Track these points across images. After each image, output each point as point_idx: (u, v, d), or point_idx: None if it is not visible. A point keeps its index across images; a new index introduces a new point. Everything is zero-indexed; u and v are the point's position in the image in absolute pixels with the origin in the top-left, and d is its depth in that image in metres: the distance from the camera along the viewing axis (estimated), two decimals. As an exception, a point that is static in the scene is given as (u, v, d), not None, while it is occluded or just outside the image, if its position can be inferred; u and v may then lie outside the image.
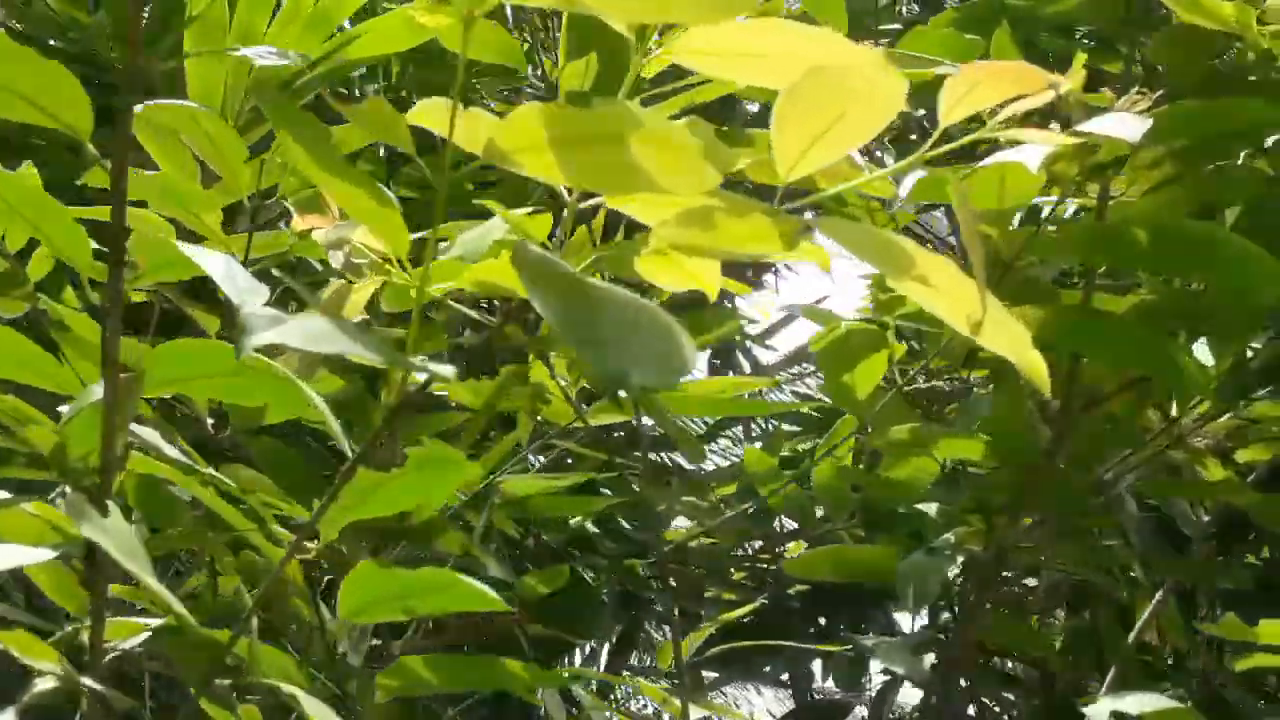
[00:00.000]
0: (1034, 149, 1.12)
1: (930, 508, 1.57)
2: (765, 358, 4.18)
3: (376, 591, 0.98)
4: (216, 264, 0.86)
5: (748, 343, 4.31)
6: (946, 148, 0.76)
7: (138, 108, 1.29)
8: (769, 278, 4.50)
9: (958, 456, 1.45)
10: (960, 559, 1.49)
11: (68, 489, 0.79)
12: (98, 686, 0.87)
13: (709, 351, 4.27)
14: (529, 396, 1.70)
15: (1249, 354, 1.53)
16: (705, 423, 4.67)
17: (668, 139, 0.68)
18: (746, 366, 4.15)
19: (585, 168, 0.72)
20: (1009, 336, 0.77)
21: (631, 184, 0.71)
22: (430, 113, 0.80)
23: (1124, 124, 1.13)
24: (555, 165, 0.72)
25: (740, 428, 4.00)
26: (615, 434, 2.22)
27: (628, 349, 0.64)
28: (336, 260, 1.22)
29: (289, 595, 1.02)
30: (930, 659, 1.59)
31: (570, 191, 0.85)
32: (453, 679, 1.06)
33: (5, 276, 1.27)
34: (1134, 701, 0.97)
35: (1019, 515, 1.51)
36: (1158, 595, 1.70)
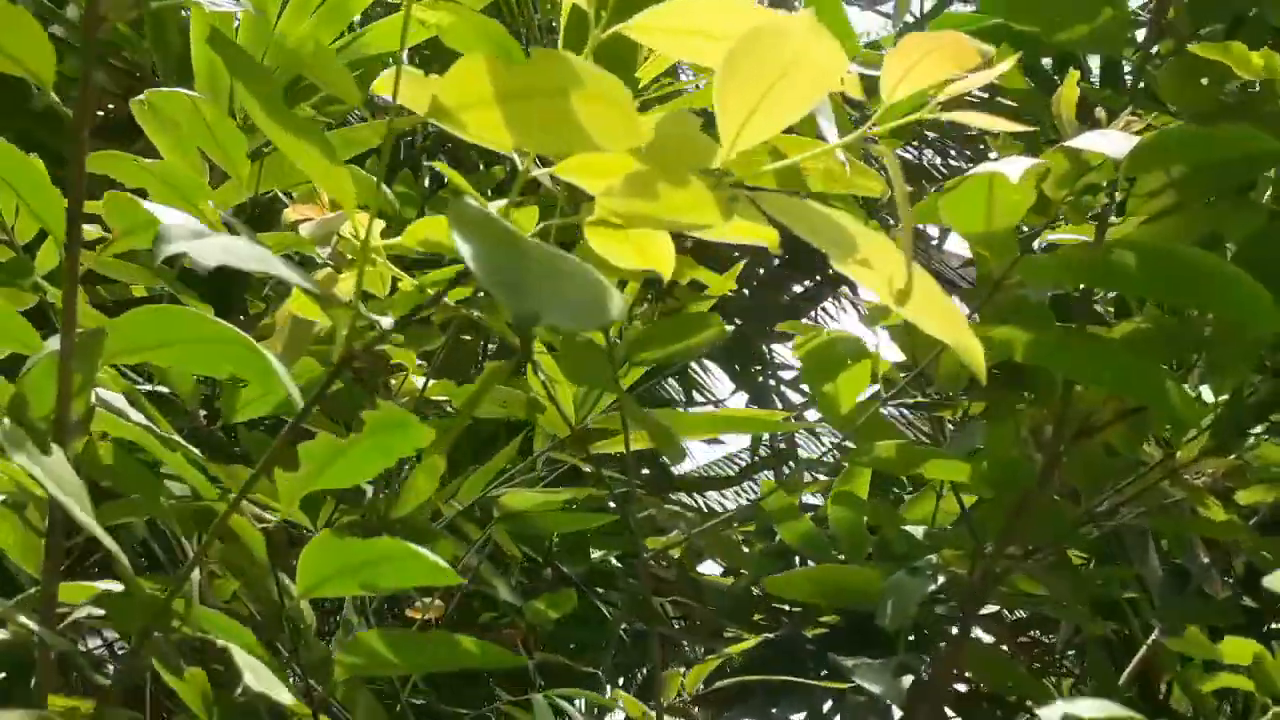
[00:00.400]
0: (1018, 161, 1.13)
1: (918, 530, 1.56)
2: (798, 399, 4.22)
3: (335, 564, 0.98)
4: (174, 216, 0.87)
5: (782, 387, 4.33)
6: (891, 124, 0.77)
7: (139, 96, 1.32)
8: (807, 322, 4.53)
9: (947, 479, 1.45)
10: (942, 579, 1.48)
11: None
12: (46, 635, 0.88)
13: (745, 396, 4.30)
14: (524, 404, 1.71)
15: (1249, 391, 1.52)
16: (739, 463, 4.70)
17: (603, 92, 0.69)
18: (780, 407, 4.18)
19: (530, 125, 0.72)
20: (940, 316, 0.77)
21: (574, 141, 0.72)
22: (384, 81, 0.82)
23: (1110, 141, 1.14)
24: (500, 124, 0.73)
25: (772, 473, 4.03)
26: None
27: (546, 293, 0.65)
28: (325, 252, 1.24)
29: (243, 558, 1.02)
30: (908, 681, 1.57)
31: (520, 159, 0.86)
32: (412, 657, 1.06)
33: (12, 265, 1.29)
34: (1087, 706, 0.96)
35: (1008, 543, 1.51)
36: (1154, 634, 1.69)
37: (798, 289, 4.47)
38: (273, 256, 0.69)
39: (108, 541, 0.82)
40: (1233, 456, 1.58)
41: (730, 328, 1.41)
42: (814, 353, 1.41)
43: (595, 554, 2.53)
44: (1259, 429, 1.59)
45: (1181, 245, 1.25)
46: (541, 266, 0.67)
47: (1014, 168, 1.10)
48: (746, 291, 4.15)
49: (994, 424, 1.51)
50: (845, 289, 4.73)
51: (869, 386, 1.44)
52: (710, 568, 2.64)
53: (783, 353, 4.47)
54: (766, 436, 4.06)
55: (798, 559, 2.13)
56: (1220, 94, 1.49)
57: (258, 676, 0.85)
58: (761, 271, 4.11)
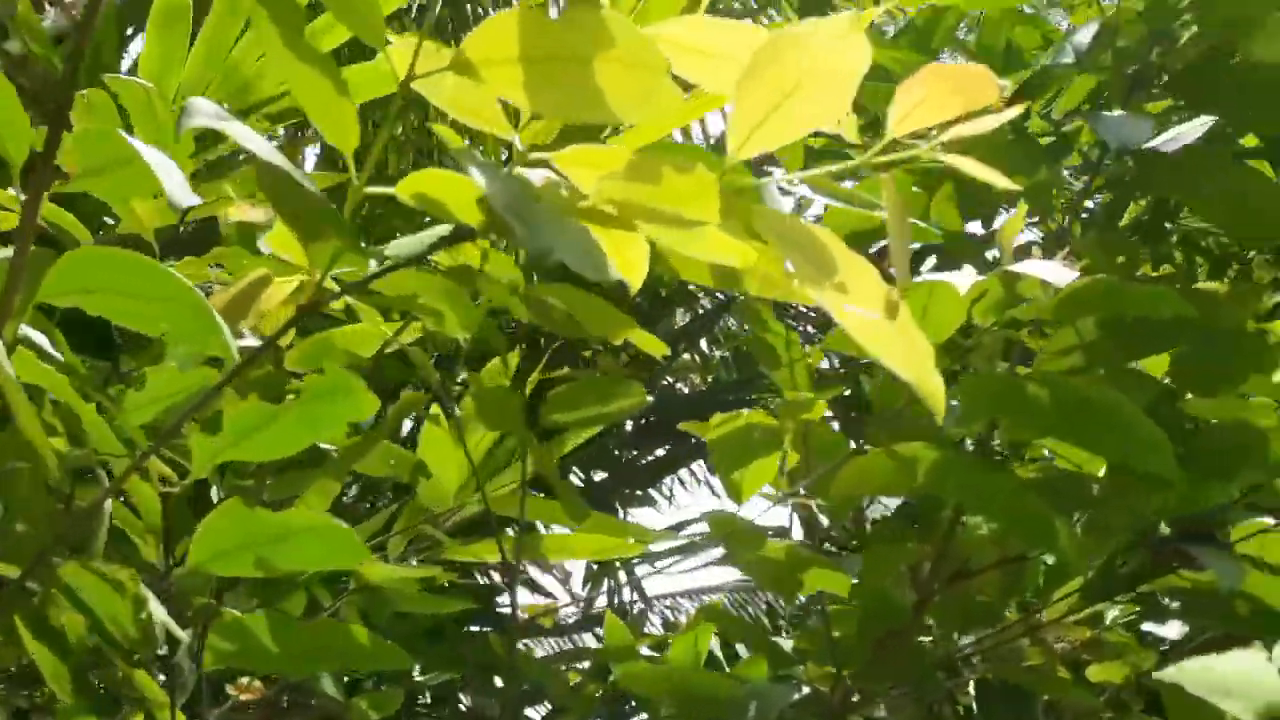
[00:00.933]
0: (967, 274, 1.16)
1: (786, 642, 1.57)
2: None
3: (236, 537, 0.96)
4: (155, 155, 0.87)
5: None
6: (891, 157, 0.80)
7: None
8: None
9: (828, 589, 1.45)
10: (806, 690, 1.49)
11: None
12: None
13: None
14: (410, 467, 1.69)
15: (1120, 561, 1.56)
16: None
17: (637, 56, 0.70)
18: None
19: (550, 87, 0.74)
20: (910, 354, 0.79)
21: (591, 108, 0.73)
22: (398, 50, 0.83)
23: (1054, 270, 1.18)
24: (520, 83, 0.74)
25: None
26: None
27: (557, 236, 0.66)
28: (265, 248, 1.23)
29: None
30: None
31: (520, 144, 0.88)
32: (290, 645, 1.03)
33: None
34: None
35: (868, 675, 1.52)
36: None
37: (660, 452, 4.52)
38: (289, 168, 0.70)
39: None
40: (1093, 631, 1.62)
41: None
42: (727, 438, 1.42)
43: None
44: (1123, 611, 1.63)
45: (1096, 387, 1.29)
46: (551, 213, 0.69)
47: (963, 279, 1.14)
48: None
49: (872, 552, 1.53)
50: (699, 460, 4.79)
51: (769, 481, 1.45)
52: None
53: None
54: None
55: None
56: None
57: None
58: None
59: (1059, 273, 1.18)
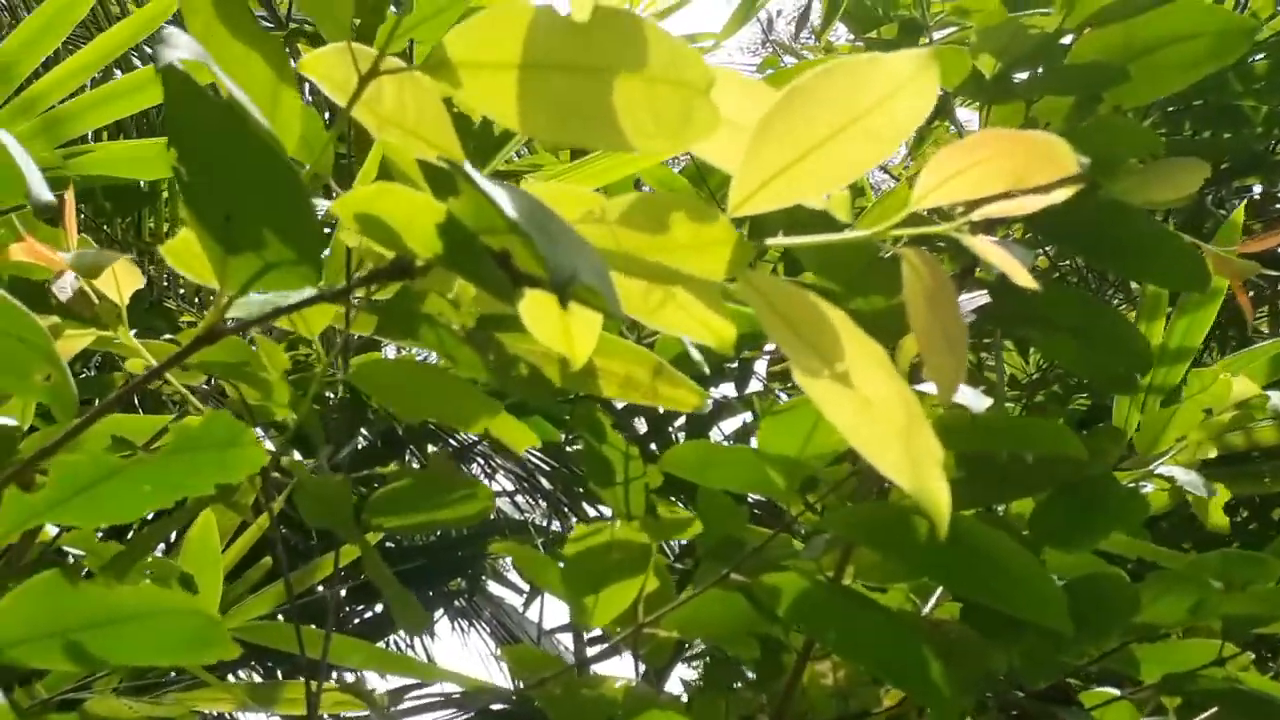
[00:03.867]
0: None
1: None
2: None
3: (44, 621, 0.82)
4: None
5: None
6: (911, 231, 0.74)
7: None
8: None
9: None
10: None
11: None
12: None
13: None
14: (173, 578, 1.54)
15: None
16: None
17: (678, 72, 0.63)
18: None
19: (551, 104, 0.66)
20: (912, 454, 0.73)
21: (604, 132, 0.65)
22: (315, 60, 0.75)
23: (968, 395, 1.14)
24: (513, 95, 0.66)
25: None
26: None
27: (577, 254, 0.58)
28: (63, 294, 1.13)
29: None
30: None
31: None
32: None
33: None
34: None
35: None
36: None
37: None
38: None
39: None
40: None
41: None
42: (586, 555, 1.32)
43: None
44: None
45: (977, 522, 1.25)
46: (565, 229, 0.61)
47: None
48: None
49: (701, 708, 1.46)
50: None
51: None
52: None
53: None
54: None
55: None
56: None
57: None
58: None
59: (973, 399, 1.14)
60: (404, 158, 0.72)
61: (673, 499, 1.53)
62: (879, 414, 0.72)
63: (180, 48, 0.60)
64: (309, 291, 0.72)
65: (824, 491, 1.30)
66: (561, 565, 1.35)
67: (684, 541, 2.05)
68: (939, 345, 0.71)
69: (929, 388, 1.16)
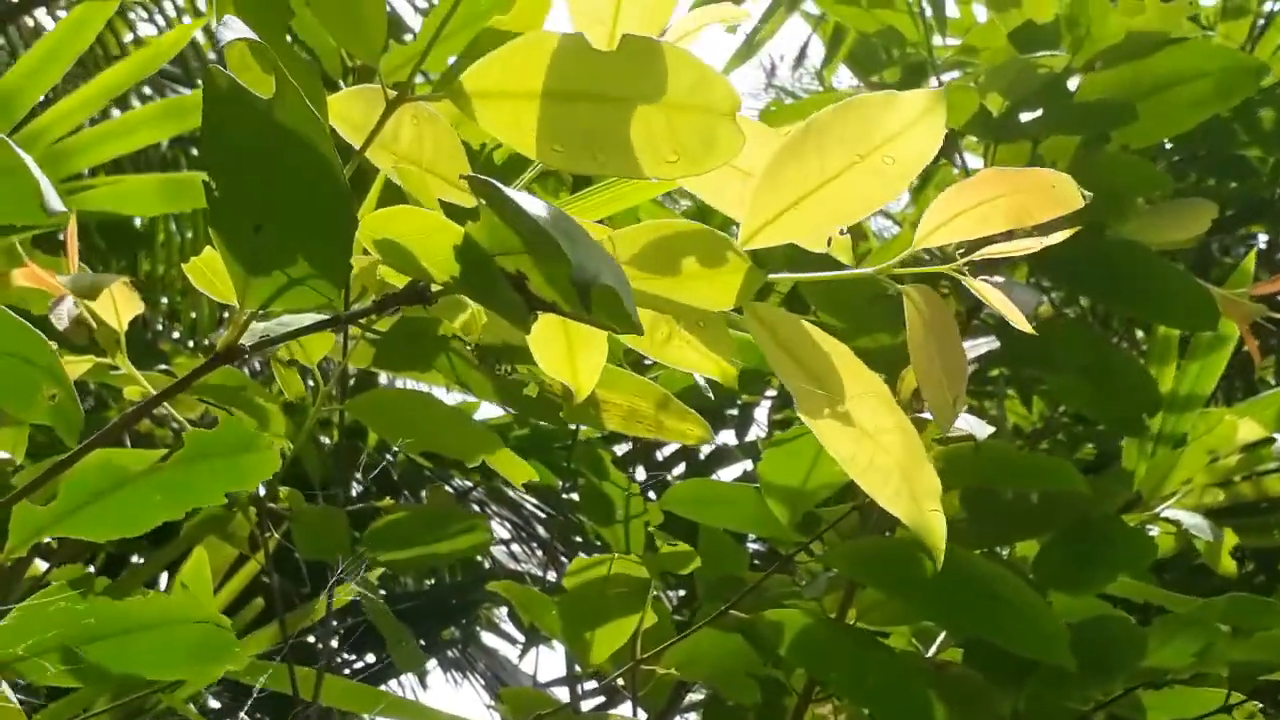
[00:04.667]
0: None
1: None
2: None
3: (57, 634, 0.83)
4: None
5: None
6: (913, 270, 0.75)
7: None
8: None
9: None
10: None
11: None
12: None
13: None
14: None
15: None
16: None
17: (703, 98, 0.64)
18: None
19: (571, 133, 0.67)
20: (912, 490, 0.75)
21: (621, 159, 0.67)
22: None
23: (969, 422, 1.16)
24: (533, 125, 0.68)
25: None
26: None
27: (597, 261, 0.60)
28: (60, 322, 1.13)
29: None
30: None
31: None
32: None
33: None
34: None
35: None
36: None
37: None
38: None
39: None
40: None
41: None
42: (585, 588, 1.32)
43: None
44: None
45: (978, 557, 1.26)
46: (590, 239, 0.63)
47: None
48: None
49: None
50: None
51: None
52: None
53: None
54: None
55: None
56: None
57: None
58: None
59: (977, 427, 1.15)
60: (418, 185, 0.74)
61: (673, 542, 1.54)
62: (878, 446, 0.74)
63: (236, 30, 0.61)
64: (320, 315, 0.74)
65: (824, 528, 1.32)
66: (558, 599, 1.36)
67: (684, 592, 2.06)
68: (937, 377, 0.73)
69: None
